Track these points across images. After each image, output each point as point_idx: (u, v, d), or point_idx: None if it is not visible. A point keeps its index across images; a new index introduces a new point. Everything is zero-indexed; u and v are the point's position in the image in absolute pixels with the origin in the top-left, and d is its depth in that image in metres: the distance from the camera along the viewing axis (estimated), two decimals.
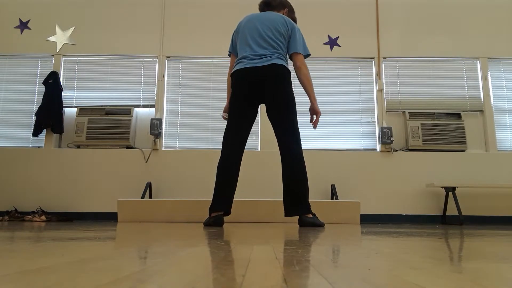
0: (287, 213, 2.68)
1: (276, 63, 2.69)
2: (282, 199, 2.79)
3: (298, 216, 2.70)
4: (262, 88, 2.71)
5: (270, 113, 2.75)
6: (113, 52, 4.98)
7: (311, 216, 2.69)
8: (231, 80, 2.85)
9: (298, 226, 2.76)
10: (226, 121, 2.84)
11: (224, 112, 2.97)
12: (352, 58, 4.97)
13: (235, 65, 2.81)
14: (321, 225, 2.68)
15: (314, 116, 2.85)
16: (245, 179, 4.52)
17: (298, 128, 2.74)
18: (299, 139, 2.72)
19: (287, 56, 2.85)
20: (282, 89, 2.69)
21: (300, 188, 2.63)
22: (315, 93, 2.85)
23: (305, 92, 2.81)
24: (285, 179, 2.66)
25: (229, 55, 3.03)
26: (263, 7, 3.00)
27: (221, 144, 2.86)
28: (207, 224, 2.65)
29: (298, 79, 2.80)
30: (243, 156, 4.58)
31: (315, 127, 2.85)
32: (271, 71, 2.67)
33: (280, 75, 2.69)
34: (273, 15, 2.84)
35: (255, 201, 3.77)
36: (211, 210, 2.68)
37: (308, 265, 0.79)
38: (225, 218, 3.69)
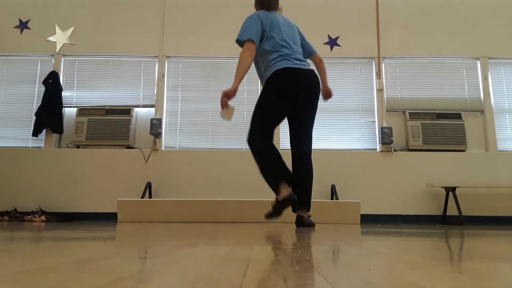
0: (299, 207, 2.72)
1: (313, 70, 2.81)
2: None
3: (296, 214, 2.76)
4: (307, 92, 2.74)
5: (299, 116, 2.79)
6: (113, 52, 4.98)
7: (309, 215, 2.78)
8: (276, 76, 2.69)
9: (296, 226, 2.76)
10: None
11: (228, 97, 2.63)
12: (352, 58, 4.97)
13: (280, 61, 2.71)
14: (313, 225, 2.77)
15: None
16: (246, 179, 4.52)
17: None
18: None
19: None
20: (318, 98, 2.83)
21: (311, 186, 2.78)
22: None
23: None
24: (300, 176, 2.73)
25: (245, 41, 2.70)
26: (273, 5, 2.97)
27: (258, 122, 2.66)
28: (284, 203, 2.49)
29: (320, 71, 3.11)
30: (245, 156, 4.60)
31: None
32: (315, 78, 2.79)
33: (318, 83, 2.81)
34: (287, 23, 2.93)
35: (255, 201, 3.77)
36: (279, 180, 2.52)
37: (308, 265, 0.79)
38: (225, 218, 3.69)
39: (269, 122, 2.67)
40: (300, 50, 2.90)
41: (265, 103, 2.70)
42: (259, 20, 2.78)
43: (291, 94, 2.70)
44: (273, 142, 2.67)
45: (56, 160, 4.63)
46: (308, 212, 2.76)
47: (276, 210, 2.55)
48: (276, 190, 2.53)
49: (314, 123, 2.89)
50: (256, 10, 3.02)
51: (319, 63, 3.11)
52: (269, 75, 2.72)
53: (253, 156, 2.62)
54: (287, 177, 2.57)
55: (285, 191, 2.50)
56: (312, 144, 2.85)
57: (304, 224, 2.69)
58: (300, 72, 2.71)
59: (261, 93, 2.76)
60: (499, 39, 4.95)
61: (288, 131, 2.87)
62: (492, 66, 4.92)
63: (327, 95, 3.11)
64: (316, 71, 2.95)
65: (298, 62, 2.74)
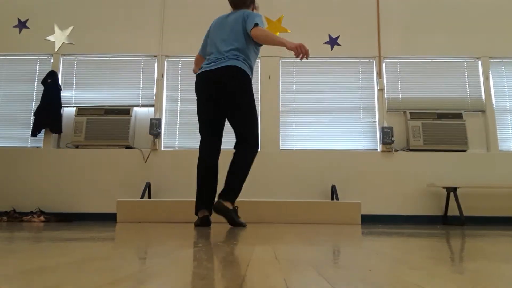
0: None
1: (229, 64, 2.72)
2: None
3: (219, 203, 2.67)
4: (220, 90, 2.76)
5: (229, 113, 2.80)
6: (112, 52, 4.97)
7: (232, 208, 2.68)
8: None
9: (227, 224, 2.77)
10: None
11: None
12: (352, 57, 4.97)
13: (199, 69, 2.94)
14: (241, 224, 2.67)
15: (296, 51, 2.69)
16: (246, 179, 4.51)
17: (257, 124, 2.81)
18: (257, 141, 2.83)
19: (249, 52, 2.82)
20: (238, 89, 2.72)
21: (238, 184, 2.74)
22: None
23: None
24: (229, 173, 2.74)
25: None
26: (232, 6, 3.04)
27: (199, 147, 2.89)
28: (197, 224, 2.74)
29: (260, 42, 2.77)
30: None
31: (307, 57, 2.70)
32: (225, 73, 2.72)
33: (233, 76, 2.71)
34: (233, 17, 2.88)
35: (255, 201, 3.76)
36: (198, 210, 2.75)
37: (308, 266, 0.78)
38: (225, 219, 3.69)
39: (204, 134, 2.85)
40: (231, 45, 2.78)
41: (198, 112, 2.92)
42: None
43: (207, 97, 2.81)
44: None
45: (55, 160, 4.63)
46: (233, 205, 2.68)
47: (199, 224, 2.72)
48: (196, 207, 2.76)
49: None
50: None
51: (254, 39, 2.75)
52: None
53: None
54: (208, 207, 2.74)
55: (201, 213, 2.72)
56: (256, 133, 2.79)
57: (202, 224, 2.68)
58: (203, 75, 2.79)
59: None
60: (500, 39, 4.94)
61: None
62: (493, 66, 4.92)
63: (297, 51, 2.66)
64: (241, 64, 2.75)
65: (207, 65, 2.80)
